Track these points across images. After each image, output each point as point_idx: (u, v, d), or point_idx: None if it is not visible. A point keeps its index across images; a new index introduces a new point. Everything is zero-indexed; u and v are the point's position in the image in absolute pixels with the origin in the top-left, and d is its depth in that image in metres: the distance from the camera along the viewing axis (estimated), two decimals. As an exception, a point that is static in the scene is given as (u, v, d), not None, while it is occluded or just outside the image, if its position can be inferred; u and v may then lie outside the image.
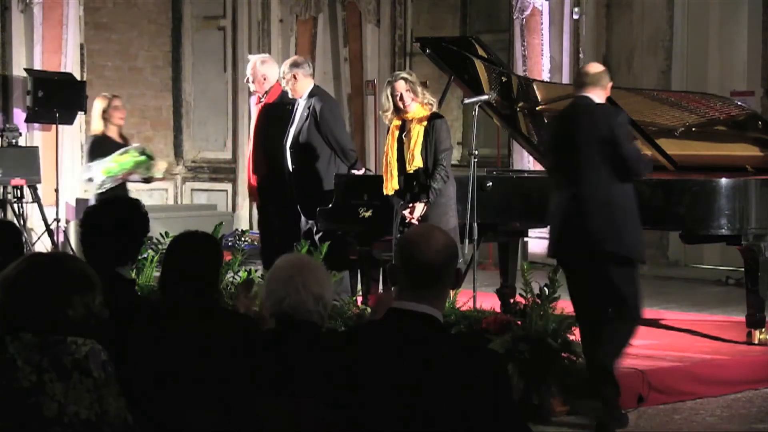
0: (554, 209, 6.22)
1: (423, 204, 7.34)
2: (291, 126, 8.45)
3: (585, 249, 6.04)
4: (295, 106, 8.52)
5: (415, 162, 7.38)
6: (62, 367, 3.10)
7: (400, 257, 3.20)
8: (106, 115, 8.84)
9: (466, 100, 7.87)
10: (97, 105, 8.93)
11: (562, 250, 6.22)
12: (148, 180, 8.91)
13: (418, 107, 7.42)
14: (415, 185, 7.43)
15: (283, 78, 8.45)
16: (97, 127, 8.88)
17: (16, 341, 3.13)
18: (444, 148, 7.42)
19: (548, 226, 6.37)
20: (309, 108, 8.35)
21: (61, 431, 3.07)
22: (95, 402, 3.11)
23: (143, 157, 8.71)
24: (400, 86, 7.39)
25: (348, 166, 8.38)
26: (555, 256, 6.29)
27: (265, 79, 8.73)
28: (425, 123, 7.40)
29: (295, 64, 8.47)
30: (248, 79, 8.81)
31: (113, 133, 8.87)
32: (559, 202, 6.18)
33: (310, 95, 8.42)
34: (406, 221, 7.36)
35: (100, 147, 8.73)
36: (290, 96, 8.49)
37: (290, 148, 8.40)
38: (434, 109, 7.48)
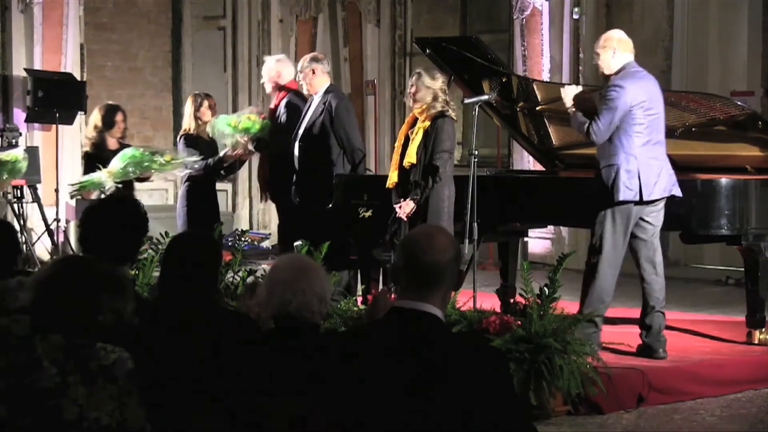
0: None
1: (411, 201, 7.40)
2: (302, 121, 8.45)
3: None
4: (309, 103, 8.54)
5: (408, 158, 7.45)
6: (87, 372, 3.09)
7: (403, 257, 3.21)
8: (197, 114, 9.02)
9: (466, 100, 7.86)
10: (188, 105, 9.12)
11: None
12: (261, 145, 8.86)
13: (426, 106, 7.51)
14: (407, 181, 7.50)
15: (301, 72, 8.48)
16: (188, 125, 9.07)
17: (45, 342, 3.12)
18: (442, 149, 7.43)
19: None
20: (324, 104, 8.35)
21: None
22: (116, 409, 3.10)
23: (267, 121, 8.75)
24: (414, 81, 7.55)
25: (352, 166, 8.38)
26: None
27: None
28: (428, 122, 7.46)
29: (315, 59, 8.55)
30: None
31: (204, 132, 9.03)
32: None
33: (326, 92, 8.43)
34: (396, 216, 7.48)
35: (195, 145, 8.90)
36: (305, 91, 8.55)
37: (299, 142, 8.40)
38: (446, 108, 7.53)
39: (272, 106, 8.90)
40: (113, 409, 3.09)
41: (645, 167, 7.00)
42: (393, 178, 7.58)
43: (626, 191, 6.98)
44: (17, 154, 9.48)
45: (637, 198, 6.99)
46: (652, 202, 7.07)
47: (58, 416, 3.05)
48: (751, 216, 7.40)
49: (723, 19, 11.67)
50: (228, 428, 3.61)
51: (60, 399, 3.06)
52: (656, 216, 7.16)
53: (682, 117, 7.93)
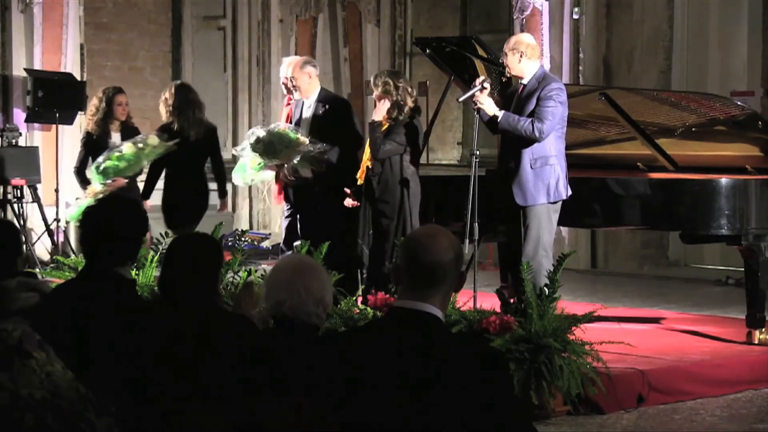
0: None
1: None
2: (302, 123, 8.37)
3: None
4: (300, 108, 8.43)
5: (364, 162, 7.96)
6: (1, 357, 3.08)
7: (405, 257, 3.21)
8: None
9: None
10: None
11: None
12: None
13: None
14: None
15: (294, 76, 8.26)
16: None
17: None
18: (385, 150, 7.88)
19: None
20: (324, 107, 8.30)
21: (20, 416, 3.05)
22: (44, 380, 3.09)
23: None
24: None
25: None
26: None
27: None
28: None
29: (309, 63, 8.41)
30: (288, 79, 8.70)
31: None
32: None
33: (320, 96, 8.33)
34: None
35: None
36: (296, 96, 8.40)
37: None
38: (411, 106, 7.79)
39: (291, 109, 8.65)
40: (41, 381, 3.09)
41: (565, 169, 7.24)
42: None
43: (564, 191, 7.19)
44: (153, 139, 8.96)
45: (565, 197, 7.25)
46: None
47: None
48: (751, 216, 7.41)
49: (723, 19, 11.68)
50: (224, 428, 3.61)
51: None
52: None
53: (682, 117, 7.94)
